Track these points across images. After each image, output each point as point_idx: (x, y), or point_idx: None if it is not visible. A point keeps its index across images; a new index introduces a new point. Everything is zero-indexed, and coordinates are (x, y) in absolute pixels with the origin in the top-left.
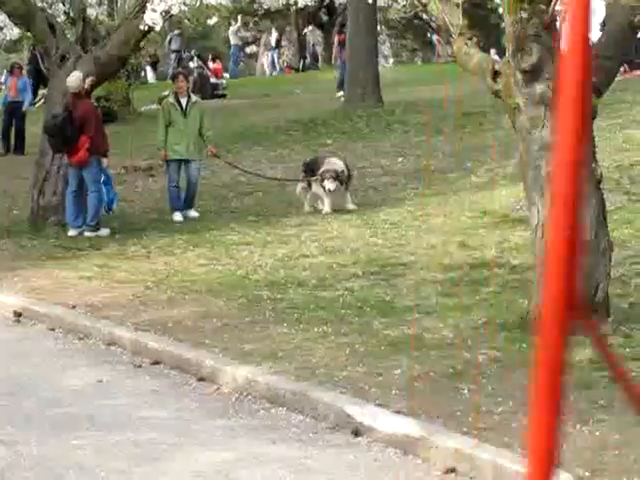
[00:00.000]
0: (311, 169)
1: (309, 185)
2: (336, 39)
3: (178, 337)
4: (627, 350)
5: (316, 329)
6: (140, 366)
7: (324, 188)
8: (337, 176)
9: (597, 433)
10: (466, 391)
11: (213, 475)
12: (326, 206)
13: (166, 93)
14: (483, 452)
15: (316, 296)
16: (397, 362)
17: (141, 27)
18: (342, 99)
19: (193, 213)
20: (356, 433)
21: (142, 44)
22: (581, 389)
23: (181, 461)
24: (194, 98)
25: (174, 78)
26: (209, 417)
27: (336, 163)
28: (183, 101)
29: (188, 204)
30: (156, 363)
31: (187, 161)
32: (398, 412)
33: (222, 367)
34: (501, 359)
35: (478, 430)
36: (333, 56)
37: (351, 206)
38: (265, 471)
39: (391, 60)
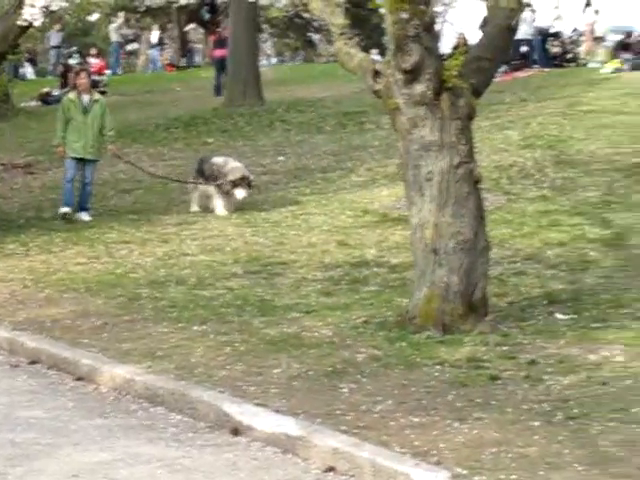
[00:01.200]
0: (200, 170)
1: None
2: (211, 39)
3: (56, 336)
4: (505, 348)
5: (195, 328)
6: (17, 366)
7: (234, 195)
8: (249, 184)
9: (475, 431)
10: (345, 390)
11: (90, 475)
12: (219, 208)
13: (46, 90)
14: (362, 451)
15: (196, 295)
16: (277, 361)
17: (19, 23)
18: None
19: (85, 217)
20: (235, 432)
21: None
22: (459, 387)
23: (58, 461)
24: (97, 96)
25: (75, 74)
26: (87, 417)
27: (242, 169)
28: (85, 98)
29: (82, 206)
30: (33, 362)
31: (85, 161)
32: (277, 411)
33: (100, 366)
34: (380, 358)
35: (357, 429)
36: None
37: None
38: (143, 471)
39: (273, 59)
